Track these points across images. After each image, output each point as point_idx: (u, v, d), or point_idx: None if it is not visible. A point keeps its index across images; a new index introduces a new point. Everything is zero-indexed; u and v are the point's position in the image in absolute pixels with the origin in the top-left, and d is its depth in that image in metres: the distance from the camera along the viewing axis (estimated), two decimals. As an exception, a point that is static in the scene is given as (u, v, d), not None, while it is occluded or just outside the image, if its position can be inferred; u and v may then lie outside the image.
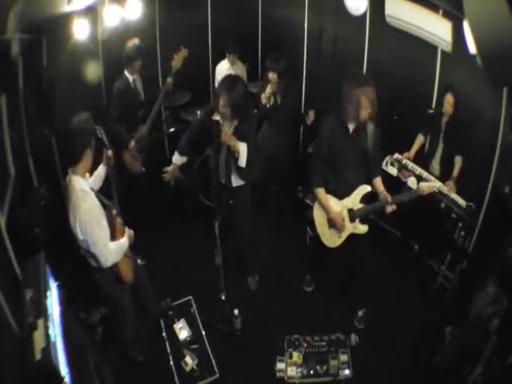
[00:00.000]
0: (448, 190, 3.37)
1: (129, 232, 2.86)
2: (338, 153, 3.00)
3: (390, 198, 2.95)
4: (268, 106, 4.07)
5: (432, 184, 3.01)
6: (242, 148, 3.19)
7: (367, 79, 2.86)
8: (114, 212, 2.75)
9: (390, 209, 2.97)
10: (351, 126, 2.98)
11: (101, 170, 2.86)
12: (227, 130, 3.15)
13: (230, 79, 3.16)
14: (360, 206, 3.06)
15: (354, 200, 3.06)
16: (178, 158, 3.46)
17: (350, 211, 3.08)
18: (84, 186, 2.52)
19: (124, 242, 2.76)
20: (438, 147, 3.59)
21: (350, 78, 2.85)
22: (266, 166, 4.27)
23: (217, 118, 3.22)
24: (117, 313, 3.03)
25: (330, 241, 3.24)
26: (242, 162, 3.24)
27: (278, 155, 4.32)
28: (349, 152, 2.99)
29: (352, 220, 3.09)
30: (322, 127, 3.07)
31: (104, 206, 2.68)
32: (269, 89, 4.01)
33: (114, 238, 2.69)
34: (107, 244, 2.59)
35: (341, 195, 3.10)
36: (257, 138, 4.27)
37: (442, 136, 3.54)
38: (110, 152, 2.82)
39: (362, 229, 3.10)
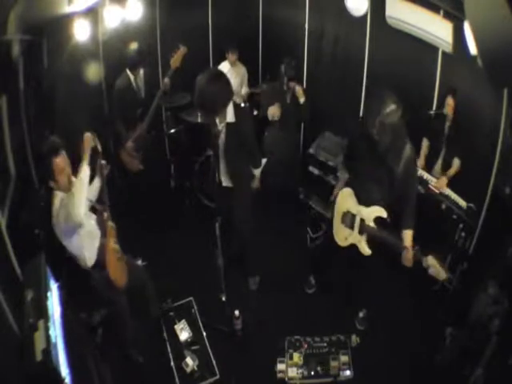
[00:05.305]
0: (437, 184, 3.37)
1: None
2: (360, 163, 2.86)
3: (411, 254, 2.68)
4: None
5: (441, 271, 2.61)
6: None
7: (401, 111, 2.61)
8: (106, 215, 2.73)
9: (407, 263, 2.74)
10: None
11: (96, 181, 2.80)
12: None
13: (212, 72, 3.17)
14: (372, 224, 2.84)
15: (369, 215, 2.85)
16: None
17: (363, 222, 2.89)
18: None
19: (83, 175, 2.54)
20: (441, 151, 3.57)
21: (388, 107, 2.57)
22: (276, 168, 4.28)
23: None
24: (114, 314, 3.03)
25: (338, 236, 3.14)
26: None
27: (288, 157, 4.36)
28: (372, 167, 2.77)
29: (360, 232, 2.92)
30: (356, 127, 2.99)
31: (94, 210, 2.70)
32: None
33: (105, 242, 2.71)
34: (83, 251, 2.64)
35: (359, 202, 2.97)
36: (265, 142, 4.31)
37: (445, 140, 3.52)
38: (102, 161, 2.78)
39: (366, 250, 2.90)
